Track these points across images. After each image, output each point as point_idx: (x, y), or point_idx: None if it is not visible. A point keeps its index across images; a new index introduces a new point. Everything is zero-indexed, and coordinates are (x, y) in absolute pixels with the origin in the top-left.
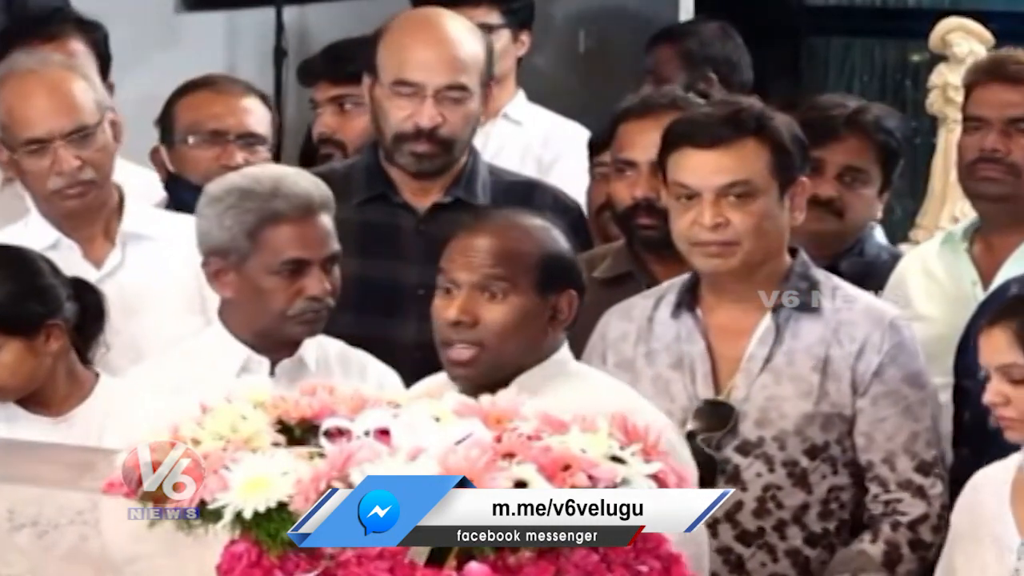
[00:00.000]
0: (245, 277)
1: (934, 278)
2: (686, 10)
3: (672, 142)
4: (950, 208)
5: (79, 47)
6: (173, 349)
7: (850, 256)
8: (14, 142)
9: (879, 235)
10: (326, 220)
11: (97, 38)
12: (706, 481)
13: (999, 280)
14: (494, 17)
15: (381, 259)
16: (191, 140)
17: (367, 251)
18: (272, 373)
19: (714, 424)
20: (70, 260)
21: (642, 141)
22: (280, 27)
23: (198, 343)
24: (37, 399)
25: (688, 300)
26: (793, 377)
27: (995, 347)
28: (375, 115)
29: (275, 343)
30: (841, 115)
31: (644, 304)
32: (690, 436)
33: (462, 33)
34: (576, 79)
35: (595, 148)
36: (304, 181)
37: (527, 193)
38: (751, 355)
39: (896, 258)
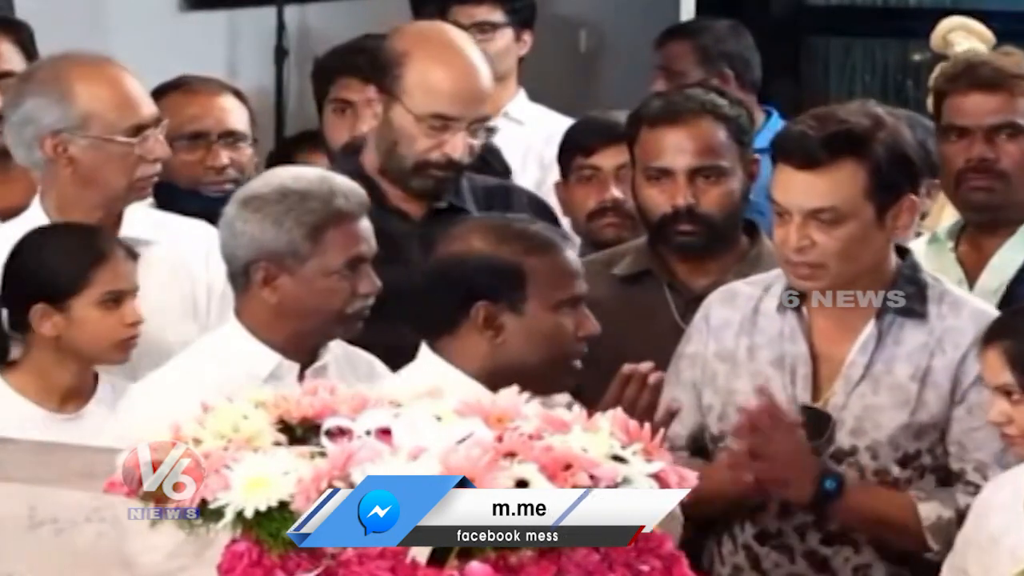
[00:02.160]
0: (302, 280)
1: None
2: (687, 10)
3: (776, 156)
4: (951, 208)
5: (5, 47)
6: (194, 353)
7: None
8: (110, 129)
9: None
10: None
11: (23, 38)
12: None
13: (984, 278)
14: (497, 16)
15: (380, 264)
16: (174, 145)
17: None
18: (301, 378)
19: (811, 432)
20: None
21: (676, 148)
22: (281, 26)
23: (224, 348)
24: (45, 393)
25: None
26: (891, 386)
27: (991, 368)
28: (392, 135)
29: (306, 347)
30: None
31: (750, 292)
32: None
33: (483, 60)
34: (577, 79)
35: (579, 149)
36: (348, 179)
37: (506, 195)
38: (852, 361)
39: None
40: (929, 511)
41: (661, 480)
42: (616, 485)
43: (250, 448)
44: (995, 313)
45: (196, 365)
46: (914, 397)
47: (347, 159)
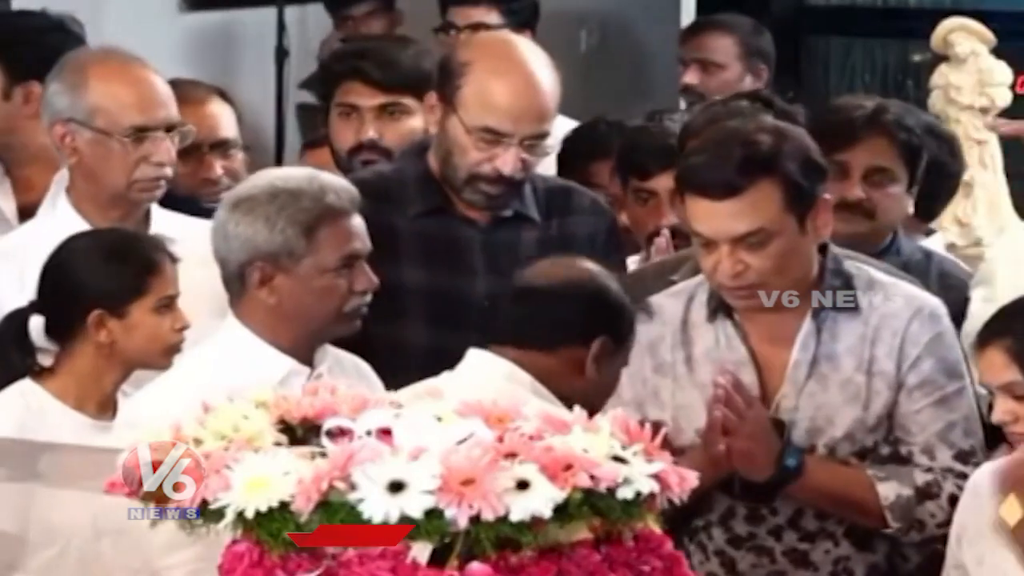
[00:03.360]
0: (298, 279)
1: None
2: (687, 9)
3: (683, 189)
4: (952, 209)
5: None
6: (200, 359)
7: (888, 256)
8: (113, 126)
9: None
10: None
11: None
12: (768, 498)
13: None
14: (493, 17)
15: (447, 271)
16: None
17: (432, 263)
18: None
19: None
20: None
21: None
22: (281, 26)
23: (234, 353)
24: (85, 400)
25: (724, 305)
26: (840, 382)
27: (992, 367)
28: (447, 144)
29: (310, 348)
30: (861, 116)
31: (674, 304)
32: None
33: (546, 74)
34: (577, 79)
35: (635, 170)
36: (337, 177)
37: (566, 196)
38: (796, 361)
39: (929, 257)
40: (888, 490)
41: (662, 480)
42: (617, 486)
43: (251, 448)
44: (927, 297)
45: (206, 372)
46: (864, 389)
47: (417, 162)
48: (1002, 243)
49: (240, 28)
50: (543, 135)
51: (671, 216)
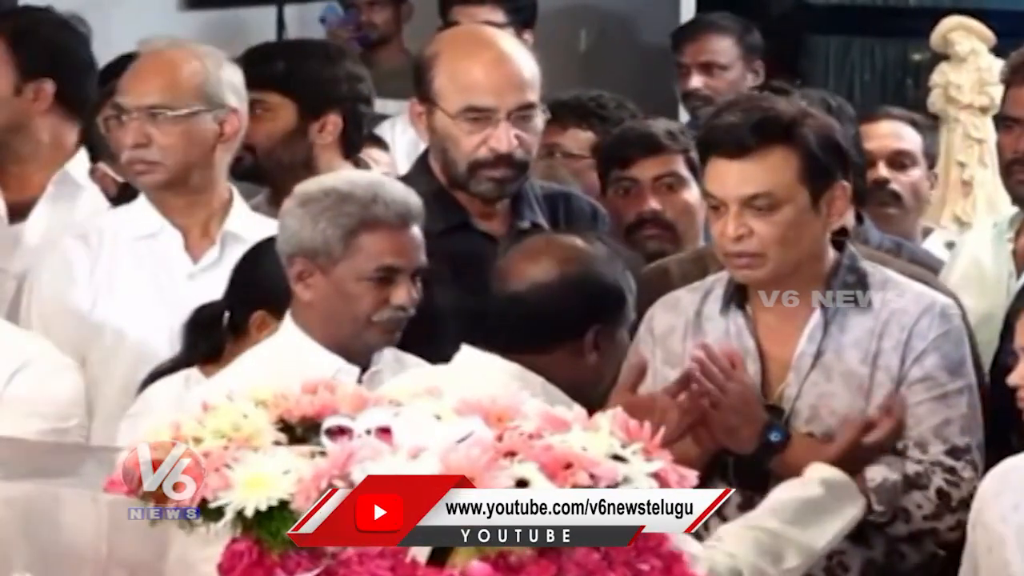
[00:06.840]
0: (332, 281)
1: (978, 264)
2: (687, 8)
3: (704, 151)
4: (951, 208)
5: None
6: (255, 356)
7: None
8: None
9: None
10: (418, 231)
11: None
12: (760, 487)
13: None
14: (498, 16)
15: (473, 289)
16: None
17: (458, 282)
18: (359, 382)
19: None
20: (170, 249)
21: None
22: (281, 25)
23: (286, 350)
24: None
25: (737, 297)
26: (843, 373)
27: (1020, 330)
28: (440, 143)
29: (352, 351)
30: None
31: (691, 297)
32: None
33: (518, 50)
34: (577, 78)
35: (616, 161)
36: (400, 189)
37: (567, 201)
38: (801, 352)
39: (899, 247)
40: (875, 473)
41: (661, 479)
42: (616, 484)
43: (250, 447)
44: (938, 296)
45: (257, 369)
46: (867, 380)
47: (428, 180)
48: (963, 239)
49: (240, 26)
50: (529, 105)
51: (652, 202)
